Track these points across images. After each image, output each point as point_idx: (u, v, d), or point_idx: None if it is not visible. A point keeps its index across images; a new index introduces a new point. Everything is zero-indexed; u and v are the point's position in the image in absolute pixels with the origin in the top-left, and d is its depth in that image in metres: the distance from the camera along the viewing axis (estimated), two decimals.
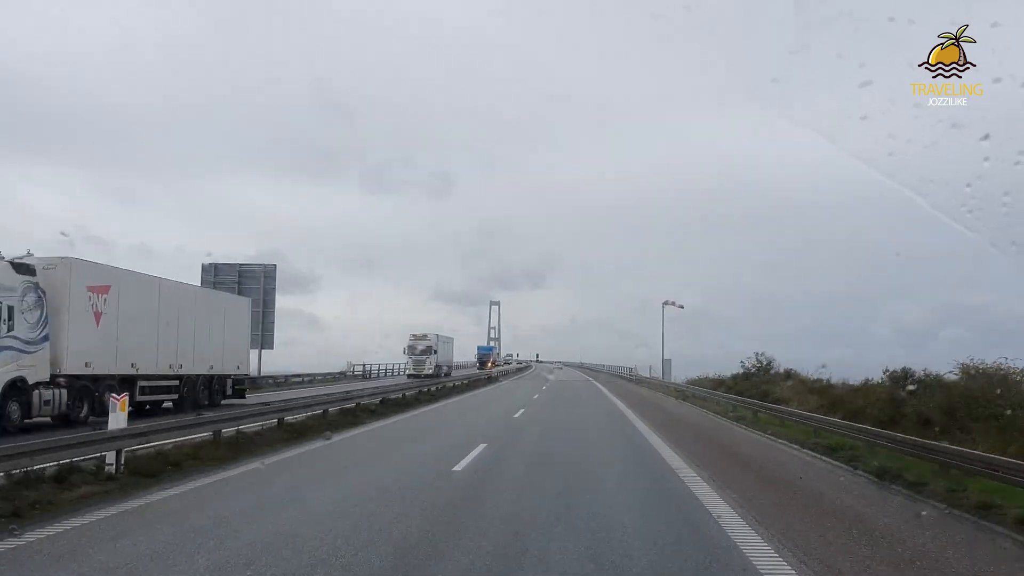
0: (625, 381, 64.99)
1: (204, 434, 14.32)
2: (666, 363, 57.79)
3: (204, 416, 15.34)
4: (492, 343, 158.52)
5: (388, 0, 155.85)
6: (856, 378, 24.16)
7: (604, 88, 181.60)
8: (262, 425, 17.16)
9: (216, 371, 25.41)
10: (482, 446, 15.69)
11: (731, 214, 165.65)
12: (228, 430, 14.99)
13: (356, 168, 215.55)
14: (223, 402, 25.34)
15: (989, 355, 18.07)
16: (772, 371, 33.03)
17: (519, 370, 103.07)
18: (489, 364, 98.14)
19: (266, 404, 20.25)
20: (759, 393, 27.26)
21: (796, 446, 17.26)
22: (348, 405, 23.31)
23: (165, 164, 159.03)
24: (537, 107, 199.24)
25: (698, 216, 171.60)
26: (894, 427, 15.53)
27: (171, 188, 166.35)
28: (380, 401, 26.75)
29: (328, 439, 17.02)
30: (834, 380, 25.61)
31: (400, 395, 30.38)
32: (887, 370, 21.38)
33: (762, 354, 34.53)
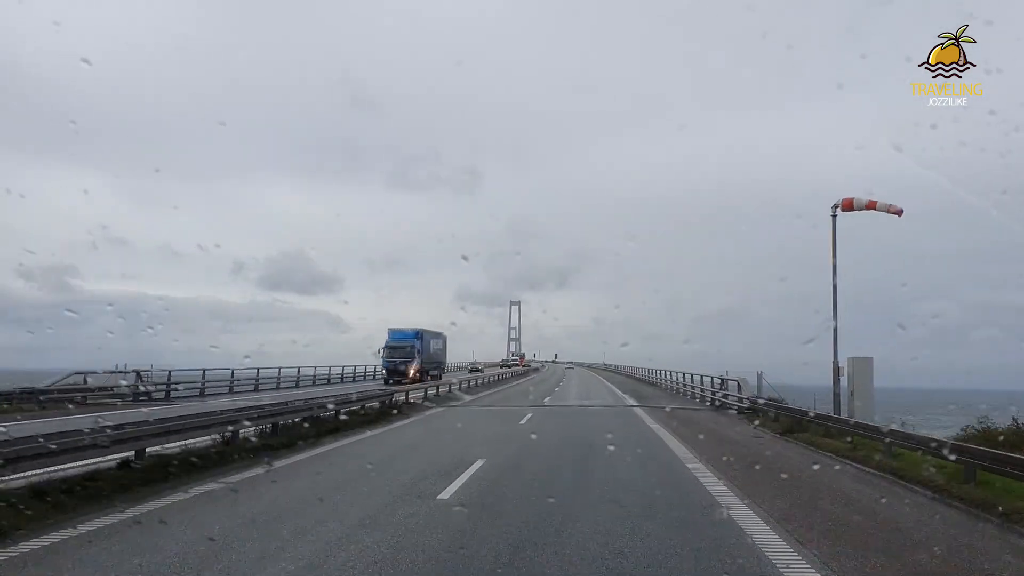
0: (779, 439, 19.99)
1: None
2: (862, 365, 22.48)
3: None
4: (512, 343, 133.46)
5: None
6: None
7: (637, 83, 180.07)
8: None
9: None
10: None
11: (766, 212, 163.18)
12: None
13: (382, 166, 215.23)
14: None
15: None
16: None
17: (500, 381, 57.44)
18: (412, 370, 48.10)
19: None
20: None
21: None
22: None
23: (188, 165, 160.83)
24: (568, 102, 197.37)
25: (731, 216, 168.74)
26: None
27: (194, 189, 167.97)
28: None
29: None
30: None
31: None
32: None
33: None
